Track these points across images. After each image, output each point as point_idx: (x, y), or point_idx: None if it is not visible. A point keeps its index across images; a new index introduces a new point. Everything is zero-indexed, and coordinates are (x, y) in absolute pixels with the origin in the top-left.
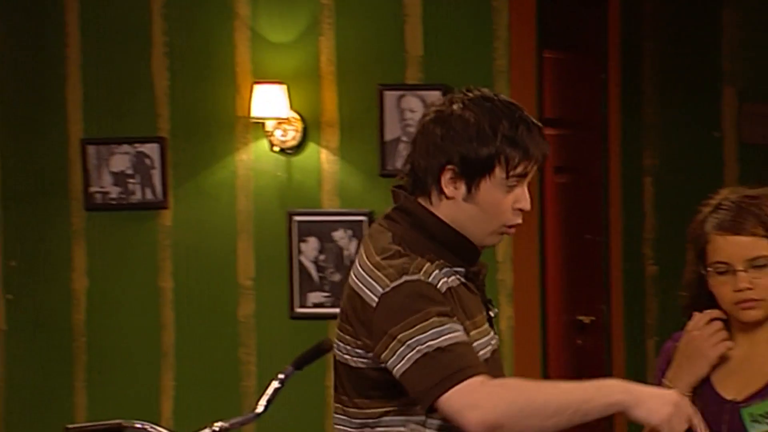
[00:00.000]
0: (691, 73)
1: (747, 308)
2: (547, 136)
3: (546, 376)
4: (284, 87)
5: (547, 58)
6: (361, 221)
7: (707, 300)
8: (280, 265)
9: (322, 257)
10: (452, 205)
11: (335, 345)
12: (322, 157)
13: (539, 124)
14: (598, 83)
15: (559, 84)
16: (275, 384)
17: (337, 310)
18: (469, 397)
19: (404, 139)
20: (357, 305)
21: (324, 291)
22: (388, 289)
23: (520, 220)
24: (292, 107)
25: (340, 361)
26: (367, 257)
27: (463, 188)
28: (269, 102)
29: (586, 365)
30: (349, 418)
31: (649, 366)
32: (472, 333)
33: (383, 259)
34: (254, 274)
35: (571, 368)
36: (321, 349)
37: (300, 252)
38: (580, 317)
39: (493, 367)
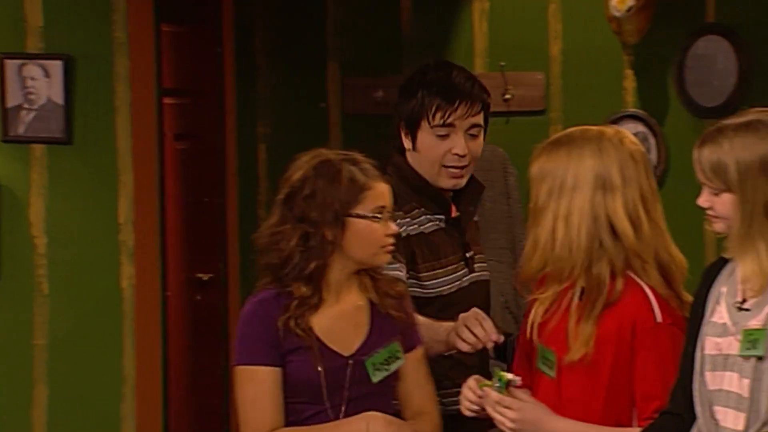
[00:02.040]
0: (300, 49)
1: (389, 251)
2: (167, 106)
3: (165, 330)
4: None
5: (165, 31)
6: None
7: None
8: None
9: None
10: (410, 155)
11: None
12: None
13: (458, 80)
14: (214, 56)
15: (177, 56)
16: None
17: None
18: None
19: (26, 106)
20: None
21: None
22: None
23: (456, 163)
24: None
25: None
26: None
27: (410, 140)
28: None
29: (204, 318)
30: None
31: None
32: (434, 272)
33: None
34: None
35: (191, 322)
36: None
37: None
38: (200, 274)
39: (466, 295)
